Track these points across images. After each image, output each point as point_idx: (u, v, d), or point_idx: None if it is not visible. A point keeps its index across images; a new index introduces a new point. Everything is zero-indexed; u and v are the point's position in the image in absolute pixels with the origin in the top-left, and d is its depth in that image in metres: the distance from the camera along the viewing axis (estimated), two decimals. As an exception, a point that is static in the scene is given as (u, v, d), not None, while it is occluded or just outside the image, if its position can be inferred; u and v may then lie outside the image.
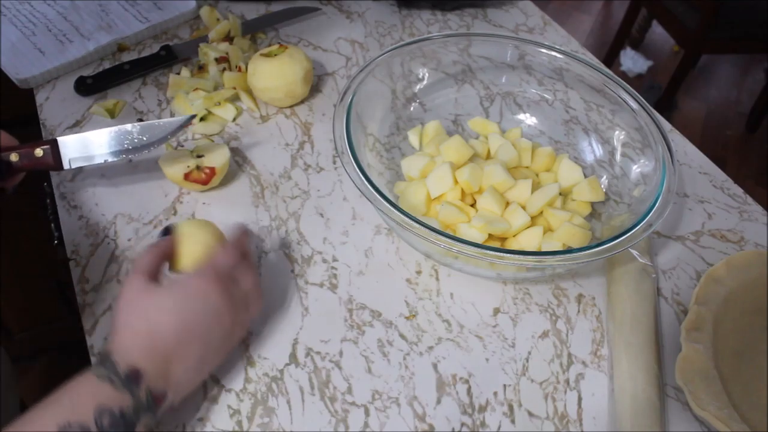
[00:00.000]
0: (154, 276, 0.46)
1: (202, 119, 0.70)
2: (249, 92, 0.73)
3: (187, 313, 0.42)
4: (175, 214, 0.62)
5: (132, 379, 0.39)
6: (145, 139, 0.56)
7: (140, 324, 0.42)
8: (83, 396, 0.38)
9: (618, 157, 0.67)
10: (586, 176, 0.65)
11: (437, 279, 0.59)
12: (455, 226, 0.59)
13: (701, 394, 0.49)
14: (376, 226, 0.63)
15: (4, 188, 0.53)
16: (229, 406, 0.49)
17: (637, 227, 0.53)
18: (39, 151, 0.52)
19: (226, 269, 0.46)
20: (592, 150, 0.70)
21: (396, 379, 0.52)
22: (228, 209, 0.63)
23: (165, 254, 0.48)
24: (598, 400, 0.52)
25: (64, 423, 0.36)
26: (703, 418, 0.49)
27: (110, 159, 0.56)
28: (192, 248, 0.49)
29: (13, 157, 0.50)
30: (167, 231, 0.50)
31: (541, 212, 0.61)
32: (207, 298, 0.43)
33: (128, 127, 0.56)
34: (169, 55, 0.76)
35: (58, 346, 1.16)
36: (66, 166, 0.55)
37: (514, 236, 0.59)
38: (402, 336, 0.55)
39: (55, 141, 0.54)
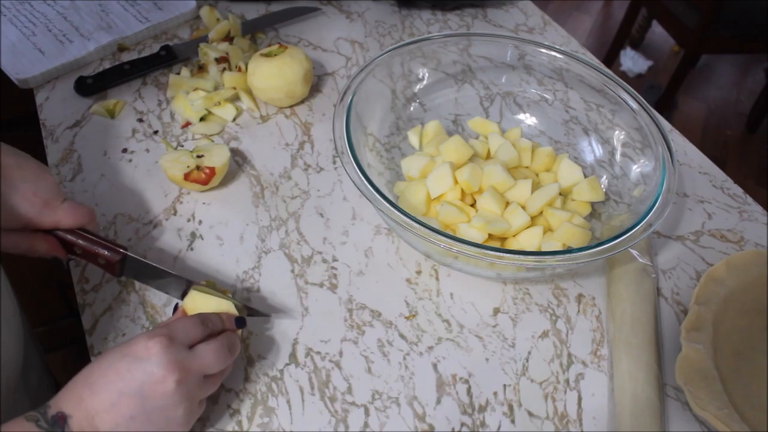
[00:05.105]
0: None
1: (202, 119, 0.70)
2: (249, 92, 0.73)
3: (120, 370, 0.42)
4: (175, 214, 0.62)
5: (57, 422, 0.40)
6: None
7: (83, 373, 0.43)
8: None
9: (618, 157, 0.67)
10: (586, 176, 0.65)
11: (437, 279, 0.59)
12: (455, 226, 0.59)
13: (701, 394, 0.49)
14: (376, 226, 0.63)
15: (60, 260, 0.52)
16: (229, 406, 0.49)
17: (637, 227, 0.53)
18: (101, 260, 0.51)
19: (185, 338, 0.45)
20: (592, 150, 0.70)
21: (396, 379, 0.52)
22: (228, 209, 0.63)
23: None
24: (598, 400, 0.52)
25: None
26: (703, 418, 0.49)
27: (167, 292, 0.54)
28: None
29: (77, 250, 0.51)
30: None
31: (541, 212, 0.61)
32: (147, 360, 0.42)
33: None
34: (169, 55, 0.76)
35: (59, 345, 1.16)
36: (123, 276, 0.54)
37: (514, 236, 0.59)
38: (402, 336, 0.55)
39: (125, 258, 0.52)
